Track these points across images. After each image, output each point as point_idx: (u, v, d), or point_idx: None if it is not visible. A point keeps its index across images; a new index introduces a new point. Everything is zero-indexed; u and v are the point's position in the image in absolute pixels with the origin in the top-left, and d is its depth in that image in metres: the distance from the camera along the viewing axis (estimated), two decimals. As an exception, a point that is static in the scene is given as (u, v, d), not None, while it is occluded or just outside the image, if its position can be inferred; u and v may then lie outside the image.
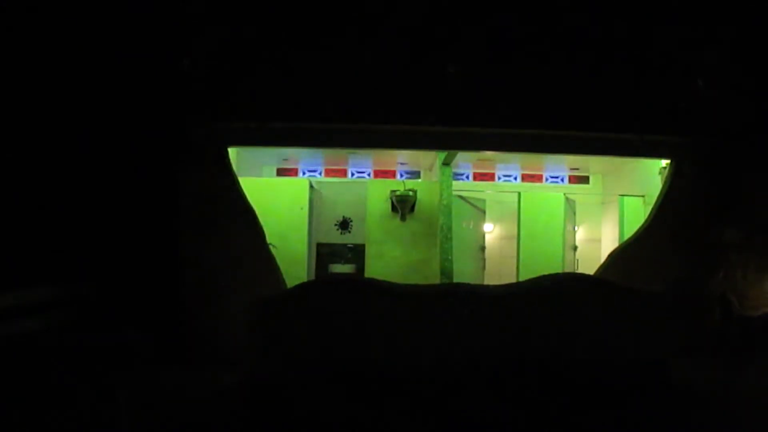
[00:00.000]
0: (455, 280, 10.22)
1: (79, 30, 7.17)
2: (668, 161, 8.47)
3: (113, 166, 7.29)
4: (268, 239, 8.06)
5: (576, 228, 12.93)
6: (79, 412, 4.70)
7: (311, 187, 11.70)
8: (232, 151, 8.34)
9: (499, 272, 12.22)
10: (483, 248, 12.42)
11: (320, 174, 13.10)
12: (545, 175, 13.47)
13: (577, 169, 13.07)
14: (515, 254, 12.07)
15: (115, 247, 7.18)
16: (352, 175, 13.17)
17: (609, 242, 12.15)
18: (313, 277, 11.36)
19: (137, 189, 7.30)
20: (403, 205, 11.21)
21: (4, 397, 4.95)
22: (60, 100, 7.23)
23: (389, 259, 11.19)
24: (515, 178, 13.41)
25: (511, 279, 11.00)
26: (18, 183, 7.17)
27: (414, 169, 13.07)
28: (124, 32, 7.22)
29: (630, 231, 9.35)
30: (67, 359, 5.78)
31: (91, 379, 5.36)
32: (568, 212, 12.38)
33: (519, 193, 12.24)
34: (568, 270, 11.71)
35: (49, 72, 7.20)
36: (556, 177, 13.49)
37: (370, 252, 11.34)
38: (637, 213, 10.80)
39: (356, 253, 12.04)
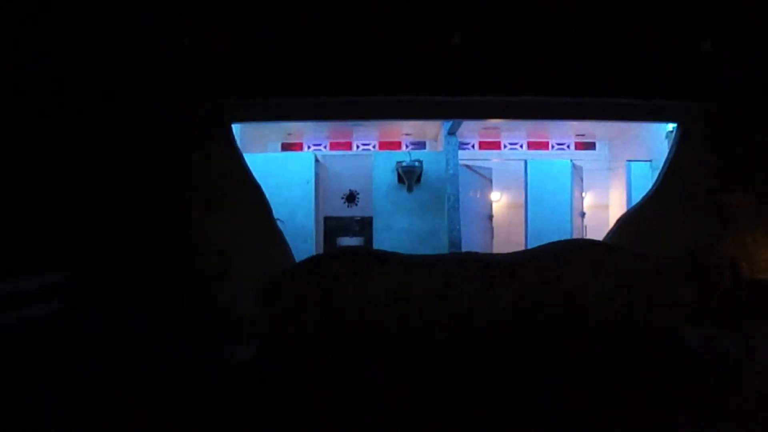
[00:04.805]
0: (464, 249, 10.24)
1: (85, 8, 7.13)
2: (675, 125, 8.40)
3: (120, 147, 7.28)
4: (275, 214, 8.07)
5: (583, 194, 12.87)
6: (96, 389, 4.76)
7: (316, 160, 11.66)
8: (237, 128, 8.31)
9: (507, 240, 12.18)
10: (491, 217, 12.41)
11: (325, 147, 13.01)
12: (551, 142, 13.37)
13: (583, 135, 12.96)
14: (523, 222, 12.06)
15: (125, 227, 7.21)
16: (357, 147, 13.08)
17: (617, 208, 12.09)
18: (321, 251, 11.38)
19: (145, 169, 7.30)
20: (409, 176, 11.16)
21: (24, 376, 5.02)
22: (64, 79, 7.21)
23: (397, 231, 11.18)
24: (521, 146, 13.31)
25: (520, 247, 10.97)
26: (24, 168, 7.19)
27: (419, 140, 12.98)
28: (127, 10, 7.16)
29: (638, 196, 9.31)
30: (84, 339, 5.85)
31: (108, 357, 5.42)
32: (576, 179, 12.33)
33: (525, 161, 12.18)
34: (576, 237, 11.69)
35: (55, 51, 7.17)
36: (562, 144, 13.39)
37: (377, 224, 11.33)
38: (645, 178, 10.72)
39: (364, 226, 12.02)
